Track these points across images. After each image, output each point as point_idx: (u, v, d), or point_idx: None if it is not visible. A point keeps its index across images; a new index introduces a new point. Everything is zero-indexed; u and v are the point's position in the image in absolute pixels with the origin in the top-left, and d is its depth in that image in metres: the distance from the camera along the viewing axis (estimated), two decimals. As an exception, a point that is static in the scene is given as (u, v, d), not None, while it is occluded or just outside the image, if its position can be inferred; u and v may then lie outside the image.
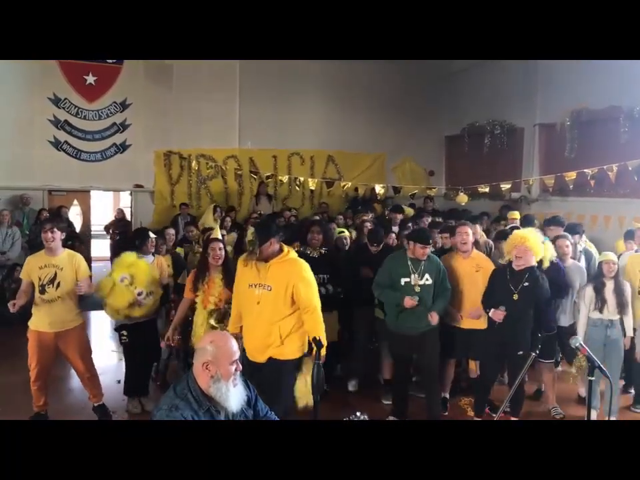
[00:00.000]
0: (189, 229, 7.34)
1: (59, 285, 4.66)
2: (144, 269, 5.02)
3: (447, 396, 5.47)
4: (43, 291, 4.66)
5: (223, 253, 4.80)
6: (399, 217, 7.97)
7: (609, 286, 5.02)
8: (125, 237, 10.65)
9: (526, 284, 4.66)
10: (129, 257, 5.07)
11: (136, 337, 5.18)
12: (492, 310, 4.69)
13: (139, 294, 4.92)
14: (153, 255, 5.50)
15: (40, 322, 4.72)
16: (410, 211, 9.42)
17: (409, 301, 4.67)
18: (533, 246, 4.69)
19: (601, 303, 5.02)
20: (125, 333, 5.17)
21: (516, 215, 7.72)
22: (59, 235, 4.67)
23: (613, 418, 4.87)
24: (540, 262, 4.96)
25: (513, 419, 4.88)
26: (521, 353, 4.58)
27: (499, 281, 4.79)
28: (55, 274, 4.65)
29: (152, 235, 5.57)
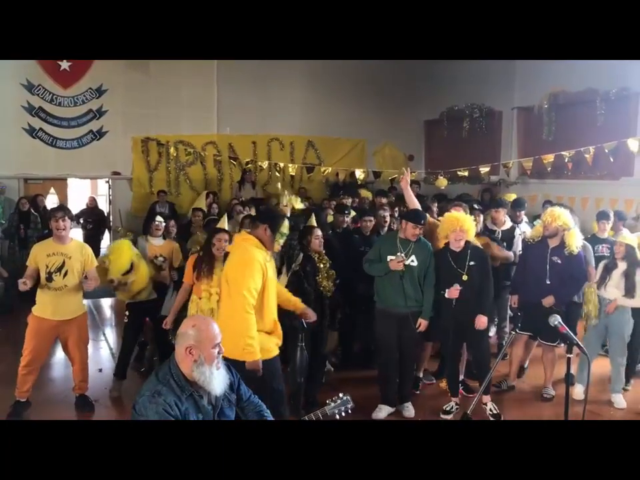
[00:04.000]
0: (196, 213, 7.36)
1: (66, 273, 4.65)
2: (120, 258, 5.10)
3: (420, 375, 5.62)
4: (49, 279, 4.63)
5: (227, 244, 4.74)
6: (384, 200, 7.96)
7: (621, 267, 5.10)
8: (99, 225, 10.52)
9: (472, 262, 4.77)
10: (117, 242, 5.29)
11: (136, 318, 5.37)
12: (447, 290, 4.79)
13: (110, 281, 5.07)
14: (164, 238, 5.59)
15: (44, 309, 4.70)
16: (368, 194, 9.28)
17: (395, 263, 4.69)
18: (469, 228, 4.79)
19: (602, 280, 5.16)
20: (127, 312, 5.34)
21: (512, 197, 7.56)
22: (69, 224, 4.69)
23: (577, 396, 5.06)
24: (562, 245, 5.07)
25: (484, 396, 4.89)
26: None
27: (443, 263, 4.85)
28: (63, 262, 4.64)
29: (159, 218, 5.59)
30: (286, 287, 4.55)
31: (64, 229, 4.64)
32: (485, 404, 4.93)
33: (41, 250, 4.68)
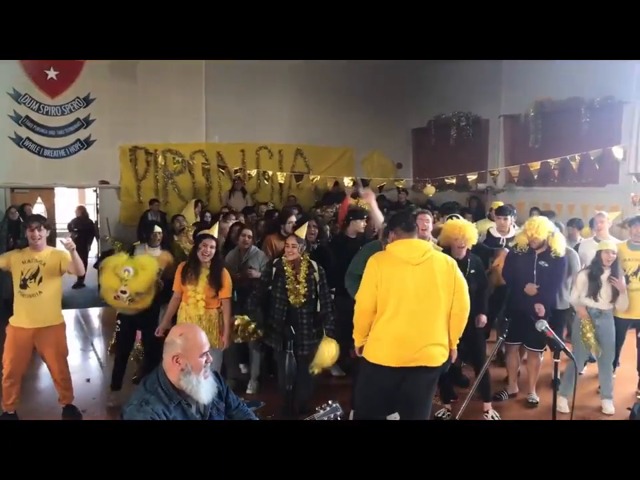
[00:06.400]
0: (179, 219, 7.14)
1: (41, 279, 4.69)
2: (147, 278, 5.03)
3: None
4: (24, 286, 4.66)
5: (213, 251, 4.79)
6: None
7: (606, 274, 5.09)
8: (85, 235, 10.44)
9: (472, 271, 4.76)
10: (148, 259, 5.17)
11: (129, 329, 5.30)
12: None
13: (122, 292, 4.96)
14: (161, 248, 5.55)
15: (19, 317, 4.72)
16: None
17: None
18: (471, 237, 4.83)
19: (594, 290, 5.09)
20: (118, 322, 5.30)
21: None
22: (44, 233, 4.73)
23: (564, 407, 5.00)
24: (548, 250, 5.09)
25: (485, 403, 4.95)
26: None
27: None
28: (38, 269, 4.68)
29: (157, 228, 5.56)
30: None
31: (39, 239, 4.69)
32: (487, 412, 4.93)
33: (18, 257, 4.72)
